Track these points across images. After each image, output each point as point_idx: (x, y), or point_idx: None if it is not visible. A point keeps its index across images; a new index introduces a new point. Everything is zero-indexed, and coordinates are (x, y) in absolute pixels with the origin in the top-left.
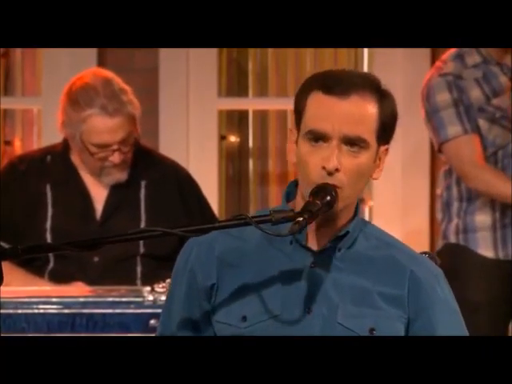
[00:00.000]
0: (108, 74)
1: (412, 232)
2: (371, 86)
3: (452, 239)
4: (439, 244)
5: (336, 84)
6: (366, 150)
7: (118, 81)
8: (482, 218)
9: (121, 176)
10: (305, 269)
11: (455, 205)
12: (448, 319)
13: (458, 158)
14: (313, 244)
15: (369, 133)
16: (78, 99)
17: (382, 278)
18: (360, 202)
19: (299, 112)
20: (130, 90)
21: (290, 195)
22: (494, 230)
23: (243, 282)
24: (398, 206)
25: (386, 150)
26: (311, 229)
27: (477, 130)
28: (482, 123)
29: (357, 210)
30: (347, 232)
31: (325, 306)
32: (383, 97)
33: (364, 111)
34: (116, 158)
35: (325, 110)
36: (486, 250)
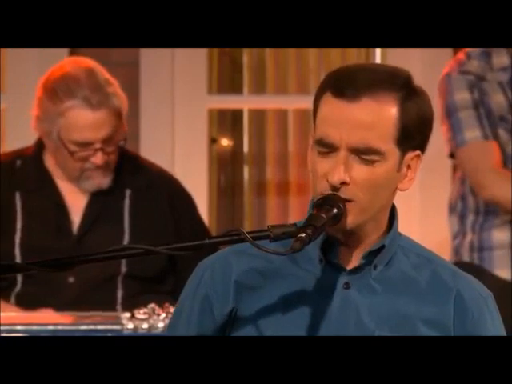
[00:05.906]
0: (91, 63)
1: (431, 248)
2: (391, 84)
3: (465, 257)
4: (451, 261)
5: (347, 85)
6: (383, 158)
7: (102, 71)
8: (500, 235)
9: (103, 181)
10: (336, 291)
11: (470, 217)
12: None
13: (472, 164)
14: (345, 262)
15: (384, 140)
16: (57, 90)
17: (425, 301)
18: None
19: (314, 115)
20: (117, 83)
21: None
22: None
23: (265, 306)
24: (415, 218)
25: (417, 156)
26: (341, 246)
27: (496, 139)
28: (502, 133)
29: (393, 223)
30: (382, 246)
31: (358, 335)
32: (408, 96)
33: (377, 116)
34: (98, 158)
35: (333, 117)
36: (504, 271)
